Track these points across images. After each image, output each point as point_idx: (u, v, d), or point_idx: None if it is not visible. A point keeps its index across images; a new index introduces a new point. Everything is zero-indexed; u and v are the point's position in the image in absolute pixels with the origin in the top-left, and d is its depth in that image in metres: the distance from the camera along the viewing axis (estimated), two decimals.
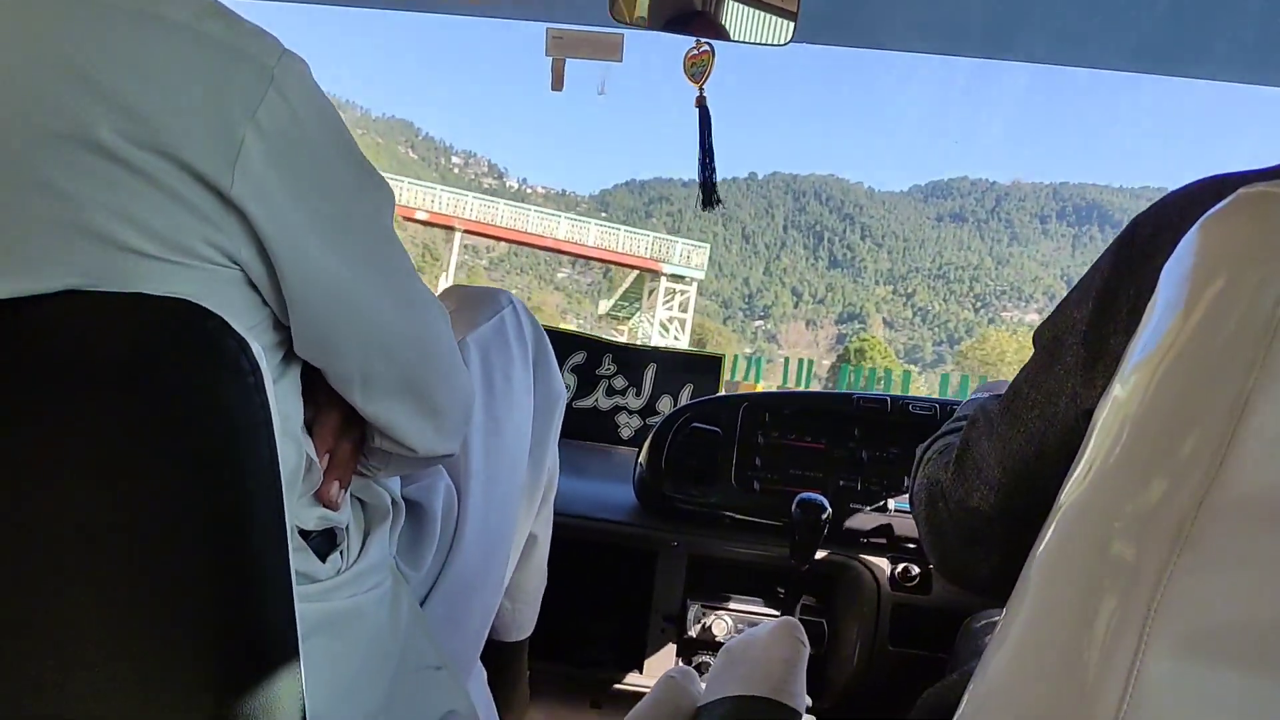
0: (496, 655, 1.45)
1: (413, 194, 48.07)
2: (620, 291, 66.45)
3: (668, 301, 54.91)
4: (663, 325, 54.42)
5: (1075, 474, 0.58)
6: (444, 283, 45.89)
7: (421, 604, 1.07)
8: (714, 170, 1.78)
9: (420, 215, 47.81)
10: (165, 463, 0.59)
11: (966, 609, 1.48)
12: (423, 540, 1.07)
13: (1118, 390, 0.56)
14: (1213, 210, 0.52)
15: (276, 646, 0.64)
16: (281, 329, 0.75)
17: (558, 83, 2.11)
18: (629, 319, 65.09)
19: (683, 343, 51.96)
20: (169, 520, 0.59)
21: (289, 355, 0.78)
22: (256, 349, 0.63)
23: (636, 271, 56.62)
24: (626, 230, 54.39)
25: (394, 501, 0.99)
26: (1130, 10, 1.72)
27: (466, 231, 49.28)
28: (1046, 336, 0.80)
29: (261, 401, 0.62)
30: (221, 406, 0.60)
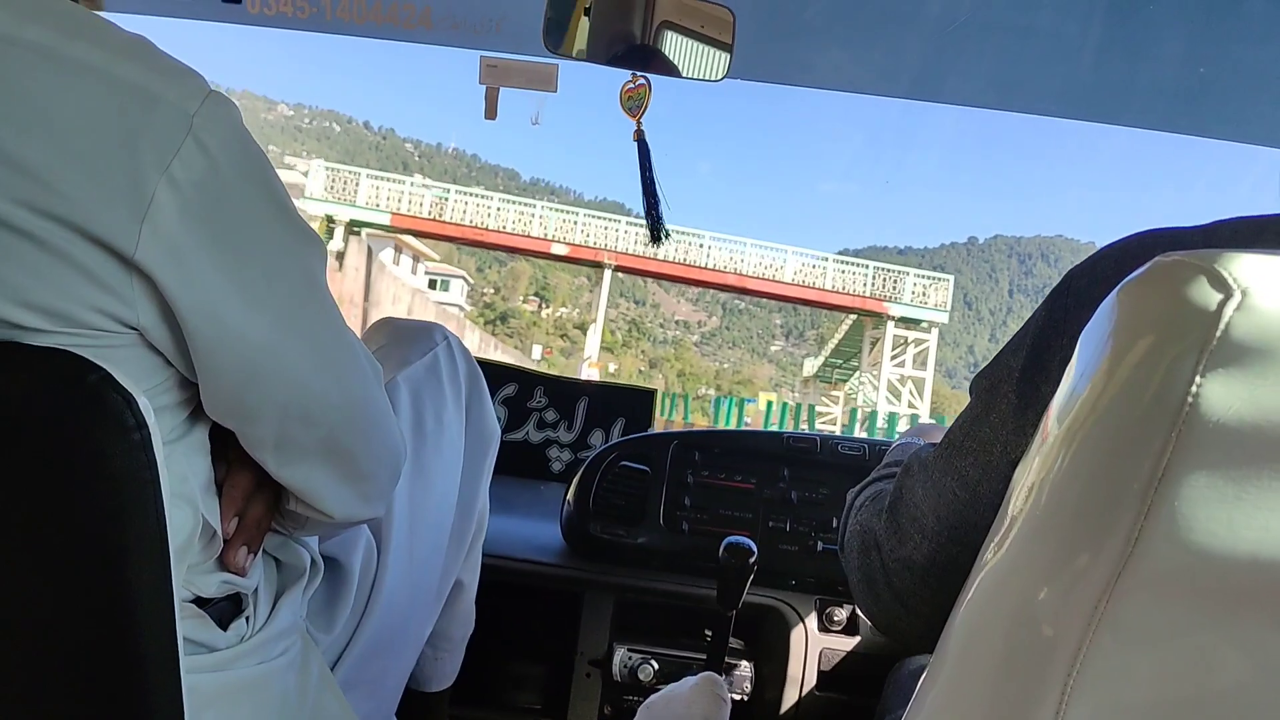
0: (415, 707, 1.40)
1: (545, 222, 34.51)
2: (831, 346, 47.79)
3: (897, 355, 36.36)
4: (891, 389, 36.01)
5: (997, 533, 0.57)
6: (593, 338, 36.66)
7: (333, 666, 1.02)
8: (659, 204, 1.75)
9: (559, 249, 34.47)
10: (36, 523, 0.55)
11: (893, 653, 1.47)
12: (337, 601, 1.02)
13: (1037, 453, 0.55)
14: (1130, 278, 0.51)
15: None
16: (188, 387, 0.71)
17: (491, 112, 2.09)
18: (844, 381, 48.22)
19: (921, 411, 35.10)
20: (38, 583, 0.55)
21: (196, 414, 0.73)
22: (144, 404, 0.59)
23: (852, 317, 39.39)
24: (838, 259, 36.64)
25: (313, 561, 0.94)
26: (1056, 58, 1.75)
27: (620, 269, 35.40)
28: (983, 384, 0.80)
29: (148, 460, 0.58)
30: (102, 464, 0.57)
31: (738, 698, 1.64)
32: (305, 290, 0.74)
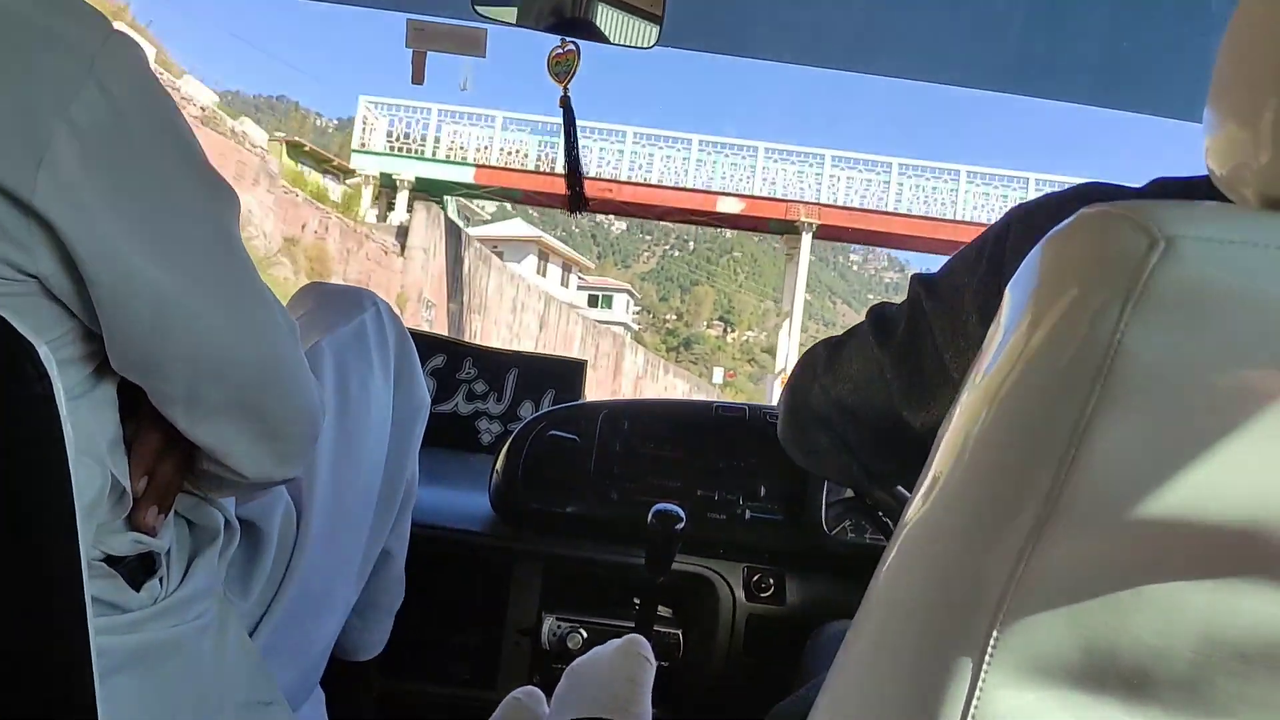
0: (342, 676, 1.38)
1: (708, 170, 21.31)
2: None
3: None
4: None
5: (920, 490, 0.57)
6: (786, 343, 22.07)
7: (253, 632, 1.00)
8: (580, 172, 1.74)
9: (729, 205, 21.06)
10: None
11: (819, 618, 1.49)
12: (255, 566, 0.99)
13: (960, 409, 0.55)
14: (1055, 230, 0.52)
15: (67, 686, 0.58)
16: (93, 340, 0.68)
17: (418, 76, 2.05)
18: None
19: None
20: None
21: (102, 369, 0.70)
22: (44, 353, 0.56)
23: None
24: None
25: (227, 523, 0.91)
26: (985, 32, 1.77)
27: (825, 230, 21.89)
28: (924, 290, 0.86)
29: (50, 413, 0.56)
30: (2, 416, 0.54)
31: (665, 664, 1.64)
32: (215, 241, 0.71)
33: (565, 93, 1.72)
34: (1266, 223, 0.47)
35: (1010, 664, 0.48)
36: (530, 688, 1.23)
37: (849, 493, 1.68)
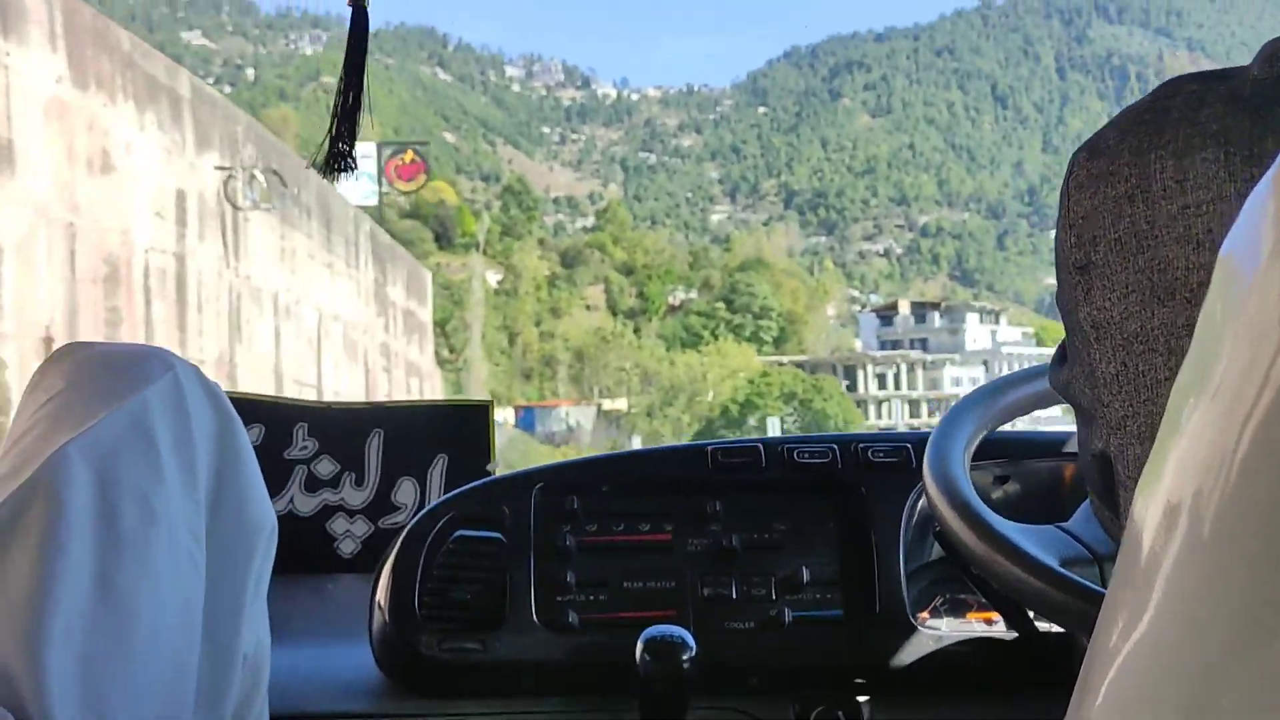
0: None
1: None
2: None
3: None
4: None
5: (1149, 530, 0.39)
6: None
7: None
8: (360, 99, 1.28)
9: None
10: None
11: None
12: None
13: (1197, 422, 0.38)
14: None
15: None
16: None
17: None
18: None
19: None
20: None
21: None
22: None
23: None
24: None
25: None
26: None
27: None
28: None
29: None
30: None
31: None
32: None
33: None
34: None
35: None
36: None
37: (934, 552, 1.30)
